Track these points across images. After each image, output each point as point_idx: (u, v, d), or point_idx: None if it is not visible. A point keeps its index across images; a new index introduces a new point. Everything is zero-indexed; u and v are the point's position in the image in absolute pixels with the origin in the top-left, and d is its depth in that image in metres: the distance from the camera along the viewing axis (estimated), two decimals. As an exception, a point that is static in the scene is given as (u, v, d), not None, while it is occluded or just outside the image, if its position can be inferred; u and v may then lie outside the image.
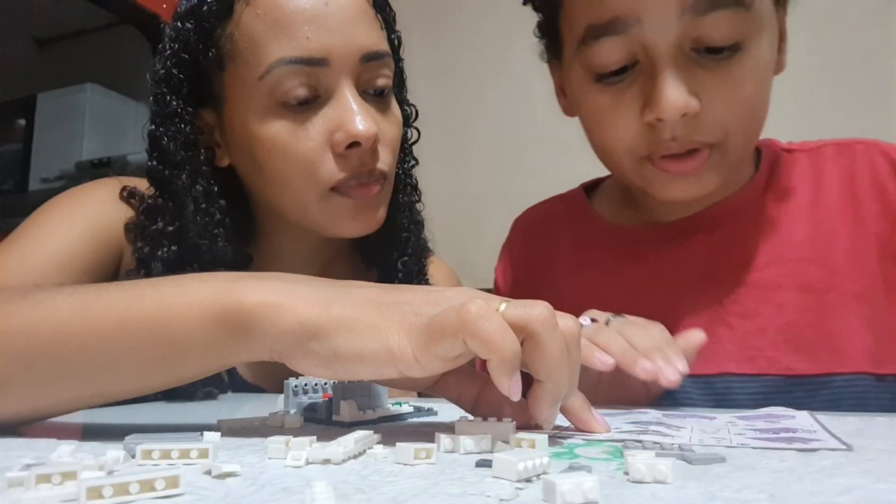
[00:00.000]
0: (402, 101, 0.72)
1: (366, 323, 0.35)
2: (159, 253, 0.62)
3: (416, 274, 0.74)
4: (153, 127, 0.63)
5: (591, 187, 0.75)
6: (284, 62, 0.57)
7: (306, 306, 0.36)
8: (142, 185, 0.66)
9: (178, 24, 0.61)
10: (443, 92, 1.86)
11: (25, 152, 2.10)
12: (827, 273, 0.58)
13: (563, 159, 1.83)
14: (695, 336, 0.49)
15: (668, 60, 0.52)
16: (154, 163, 0.63)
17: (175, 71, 0.61)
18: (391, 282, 0.73)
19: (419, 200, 0.76)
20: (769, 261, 0.60)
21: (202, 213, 0.62)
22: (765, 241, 0.61)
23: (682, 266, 0.62)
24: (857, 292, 0.58)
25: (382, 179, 0.63)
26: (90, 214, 0.64)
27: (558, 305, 0.63)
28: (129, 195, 0.65)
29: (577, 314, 0.60)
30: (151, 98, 0.63)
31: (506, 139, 1.84)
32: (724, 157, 0.56)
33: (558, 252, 0.71)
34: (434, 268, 0.79)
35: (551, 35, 0.63)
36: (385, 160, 0.62)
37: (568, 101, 0.66)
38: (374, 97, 0.62)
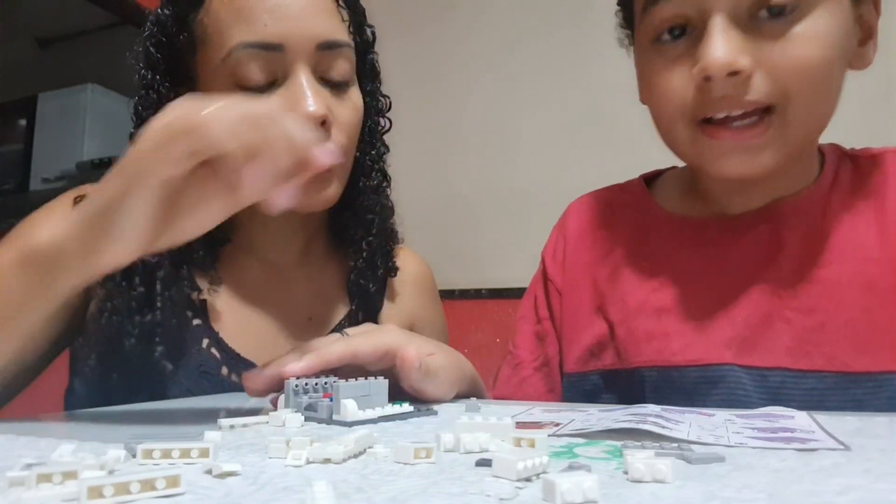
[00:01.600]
0: (376, 92, 0.76)
1: None
2: None
3: (381, 255, 0.77)
4: (136, 100, 0.68)
5: (650, 179, 0.75)
6: (243, 46, 0.61)
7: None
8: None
9: (158, 10, 0.67)
10: (434, 91, 1.86)
11: (26, 152, 2.10)
12: (892, 273, 0.57)
13: (555, 158, 1.84)
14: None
15: (718, 20, 0.52)
16: (134, 130, 0.68)
17: (153, 50, 0.66)
18: (356, 262, 0.75)
19: (388, 186, 0.79)
20: (833, 258, 0.59)
21: None
22: (829, 239, 0.60)
23: (744, 256, 0.62)
24: None
25: None
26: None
27: (618, 288, 0.66)
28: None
29: (637, 297, 0.65)
30: (136, 77, 0.68)
31: (497, 138, 1.84)
32: (784, 127, 0.54)
33: (618, 238, 0.71)
34: (404, 255, 0.82)
35: (629, 17, 0.65)
36: (337, 141, 0.65)
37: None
38: (332, 84, 0.66)
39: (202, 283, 0.68)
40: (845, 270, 0.58)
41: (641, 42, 0.60)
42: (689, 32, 0.55)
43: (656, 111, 0.61)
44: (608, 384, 0.65)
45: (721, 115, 0.54)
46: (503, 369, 0.73)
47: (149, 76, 0.66)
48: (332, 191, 0.67)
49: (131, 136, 0.69)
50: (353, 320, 0.75)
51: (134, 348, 0.63)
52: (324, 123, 0.63)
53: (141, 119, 0.67)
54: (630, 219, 0.71)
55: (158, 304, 0.64)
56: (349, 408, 0.41)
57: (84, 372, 0.67)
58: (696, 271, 0.64)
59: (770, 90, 0.53)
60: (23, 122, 2.14)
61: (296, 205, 0.65)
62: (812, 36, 0.52)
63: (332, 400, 0.43)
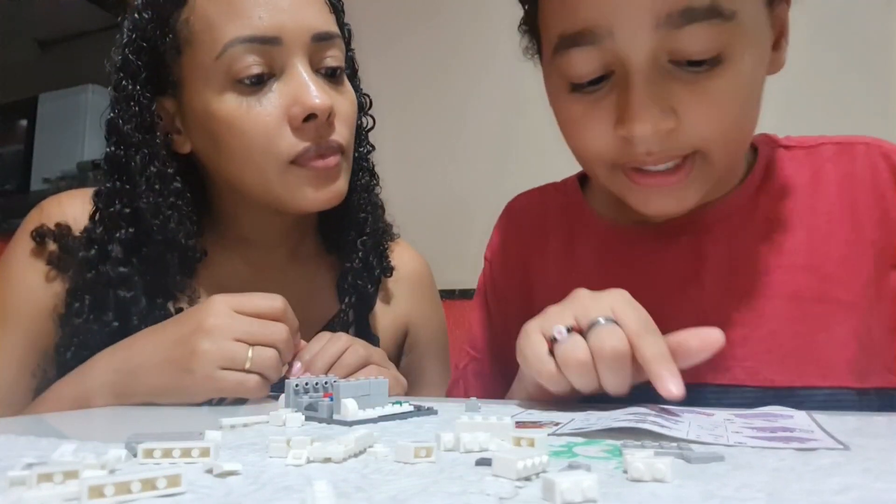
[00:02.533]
0: (356, 90, 0.74)
1: None
2: (117, 235, 0.64)
3: (375, 254, 0.76)
4: (112, 114, 0.65)
5: (586, 176, 0.72)
6: (239, 41, 0.60)
7: None
8: (76, 202, 0.68)
9: (136, 15, 0.65)
10: (437, 92, 1.86)
11: (27, 153, 2.11)
12: (817, 281, 0.56)
13: (552, 160, 1.84)
14: (712, 335, 0.46)
15: (641, 75, 0.49)
16: (112, 148, 0.65)
17: (132, 58, 0.64)
18: (351, 262, 0.74)
19: (377, 184, 0.78)
20: (758, 267, 0.58)
21: (155, 193, 0.63)
22: (755, 246, 0.59)
23: (668, 269, 0.60)
24: (847, 301, 0.56)
25: (340, 152, 0.65)
26: (15, 305, 0.65)
27: (548, 300, 0.59)
28: (39, 236, 0.66)
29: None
30: (111, 87, 0.65)
31: (494, 140, 1.84)
32: (708, 168, 0.53)
33: (550, 246, 0.69)
34: (400, 251, 0.81)
35: (534, 33, 0.61)
36: (341, 134, 0.65)
37: None
38: (327, 76, 0.65)
39: (182, 297, 0.67)
40: (771, 281, 0.57)
41: (553, 80, 0.56)
42: (606, 76, 0.51)
43: (575, 152, 0.58)
44: None
45: (646, 168, 0.52)
46: (469, 379, 0.72)
47: (129, 87, 0.64)
48: (341, 184, 0.66)
49: (106, 158, 0.65)
50: (342, 320, 0.74)
51: None
52: (329, 116, 0.63)
53: (119, 132, 0.64)
54: (563, 224, 0.70)
55: None
56: (349, 407, 0.42)
57: None
58: (622, 286, 0.61)
59: (695, 141, 0.51)
60: (23, 122, 2.15)
61: (308, 203, 0.65)
62: (734, 84, 0.50)
63: (332, 399, 0.43)
